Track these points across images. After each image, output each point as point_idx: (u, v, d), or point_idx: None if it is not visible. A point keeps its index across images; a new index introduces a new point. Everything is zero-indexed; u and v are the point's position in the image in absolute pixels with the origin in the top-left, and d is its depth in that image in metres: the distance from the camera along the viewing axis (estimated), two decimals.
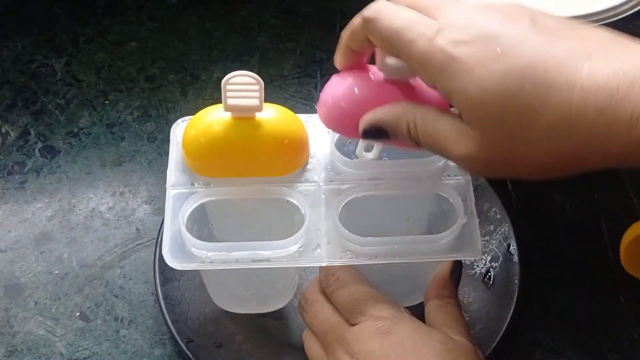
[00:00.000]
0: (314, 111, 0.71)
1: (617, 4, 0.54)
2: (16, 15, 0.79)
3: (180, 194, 0.50)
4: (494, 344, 0.55)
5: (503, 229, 0.61)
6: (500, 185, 0.65)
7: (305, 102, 0.72)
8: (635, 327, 0.59)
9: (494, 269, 0.59)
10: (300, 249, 0.49)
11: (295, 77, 0.74)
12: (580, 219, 0.64)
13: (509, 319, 0.56)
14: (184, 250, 0.48)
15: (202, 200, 0.50)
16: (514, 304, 0.57)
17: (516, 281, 0.58)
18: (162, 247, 0.49)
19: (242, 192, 0.51)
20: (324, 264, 0.49)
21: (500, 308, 0.57)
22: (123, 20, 0.78)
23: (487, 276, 0.59)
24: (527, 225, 0.63)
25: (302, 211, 0.50)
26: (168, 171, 0.51)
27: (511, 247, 0.60)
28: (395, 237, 0.48)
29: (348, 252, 0.49)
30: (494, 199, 0.62)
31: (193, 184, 0.51)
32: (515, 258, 0.59)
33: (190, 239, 0.48)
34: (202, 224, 0.53)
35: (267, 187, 0.51)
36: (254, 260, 0.48)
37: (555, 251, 0.63)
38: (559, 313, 0.59)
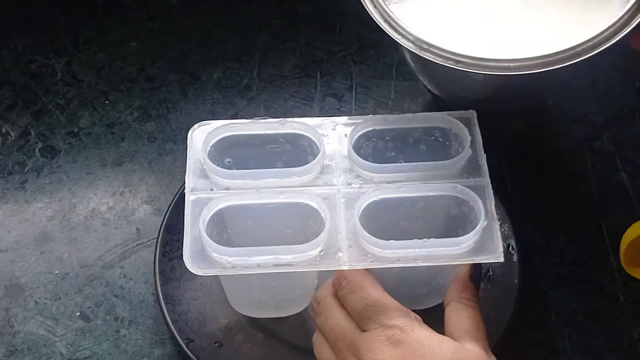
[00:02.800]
0: (313, 111, 0.72)
1: (595, 34, 0.49)
2: (16, 15, 0.79)
3: (199, 200, 0.50)
4: (494, 344, 0.55)
5: (503, 229, 0.61)
6: (500, 185, 0.65)
7: (305, 102, 0.72)
8: (635, 327, 0.59)
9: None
10: (322, 253, 0.49)
11: (295, 77, 0.74)
12: (580, 219, 0.64)
13: (508, 319, 0.56)
14: (204, 256, 0.48)
15: (221, 206, 0.51)
16: (513, 304, 0.57)
17: (516, 281, 0.58)
18: (183, 254, 0.48)
19: (260, 197, 0.51)
20: (345, 268, 0.49)
21: (500, 308, 0.57)
22: (123, 20, 0.79)
23: (487, 276, 0.59)
24: (527, 225, 0.63)
25: (322, 215, 0.50)
26: (186, 176, 0.52)
27: (511, 247, 0.60)
28: (416, 241, 0.49)
29: (369, 256, 0.49)
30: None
31: (212, 189, 0.51)
32: (515, 258, 0.59)
33: (211, 245, 0.48)
34: (221, 229, 0.53)
35: (286, 191, 0.51)
36: (275, 265, 0.48)
37: (555, 251, 0.63)
38: (559, 313, 0.60)
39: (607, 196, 0.65)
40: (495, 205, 0.62)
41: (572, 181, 0.66)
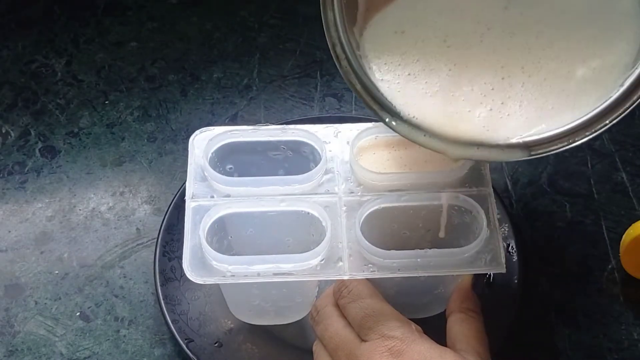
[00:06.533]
0: (313, 111, 0.72)
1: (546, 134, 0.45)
2: (16, 15, 0.79)
3: (200, 207, 0.50)
4: (495, 345, 0.55)
5: (503, 229, 0.61)
6: (500, 185, 0.65)
7: (305, 102, 0.72)
8: (635, 327, 0.59)
9: None
10: (322, 262, 0.49)
11: (295, 77, 0.74)
12: (580, 219, 0.64)
13: (509, 319, 0.56)
14: (204, 263, 0.48)
15: (222, 213, 0.51)
16: (514, 304, 0.57)
17: (516, 281, 0.58)
18: (182, 261, 0.49)
19: (261, 205, 0.51)
20: (346, 277, 0.48)
21: (500, 308, 0.57)
22: (123, 20, 0.78)
23: (487, 276, 0.59)
24: (527, 225, 0.63)
25: (324, 223, 0.50)
26: (187, 183, 0.52)
27: (511, 247, 0.60)
28: (417, 251, 0.48)
29: (370, 265, 0.49)
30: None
31: (213, 196, 0.51)
32: (515, 258, 0.59)
33: (210, 252, 0.48)
34: (222, 237, 0.53)
35: (287, 199, 0.51)
36: (275, 274, 0.48)
37: (555, 251, 0.63)
38: (559, 313, 0.60)
39: (607, 196, 0.65)
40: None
41: (572, 181, 0.66)
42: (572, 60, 0.46)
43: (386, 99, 0.47)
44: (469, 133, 0.46)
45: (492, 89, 0.47)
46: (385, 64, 0.48)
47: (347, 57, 0.46)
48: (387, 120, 0.47)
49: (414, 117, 0.47)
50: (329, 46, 0.46)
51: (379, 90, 0.47)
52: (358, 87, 0.47)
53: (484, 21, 0.47)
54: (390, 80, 0.47)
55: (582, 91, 0.45)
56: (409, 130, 0.47)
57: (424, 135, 0.47)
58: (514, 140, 0.46)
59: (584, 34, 0.46)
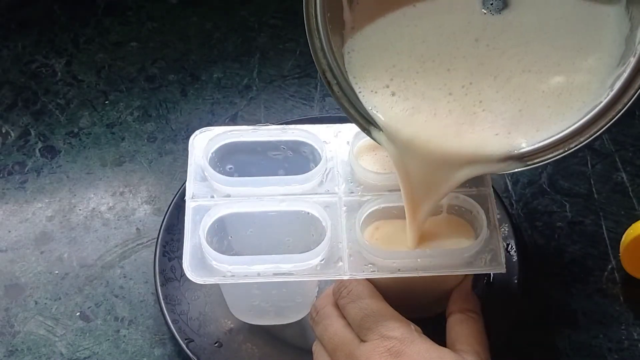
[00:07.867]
0: (313, 111, 0.72)
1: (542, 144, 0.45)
2: (16, 15, 0.79)
3: (200, 207, 0.50)
4: (494, 345, 0.55)
5: (503, 229, 0.61)
6: (500, 186, 0.65)
7: (305, 102, 0.72)
8: (635, 327, 0.59)
9: None
10: (322, 262, 0.49)
11: (295, 77, 0.74)
12: (580, 219, 0.64)
13: (509, 319, 0.56)
14: (204, 263, 0.49)
15: (222, 213, 0.51)
16: (514, 304, 0.57)
17: (516, 281, 0.58)
18: (182, 261, 0.49)
19: (261, 205, 0.51)
20: (346, 277, 0.48)
21: (500, 308, 0.57)
22: (123, 20, 0.79)
23: (487, 276, 0.59)
24: (527, 225, 0.63)
25: (324, 223, 0.50)
26: (187, 183, 0.52)
27: (511, 247, 0.60)
28: (417, 251, 0.49)
29: (370, 265, 0.49)
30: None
31: (213, 196, 0.51)
32: (515, 258, 0.59)
33: (211, 253, 0.48)
34: (222, 237, 0.53)
35: (287, 199, 0.51)
36: (275, 274, 0.48)
37: (555, 251, 0.63)
38: (559, 313, 0.60)
39: (607, 196, 0.65)
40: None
41: (572, 181, 0.66)
42: (539, 84, 0.45)
43: (378, 124, 0.47)
44: (461, 153, 0.46)
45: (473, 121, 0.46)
46: (375, 104, 0.47)
47: (338, 83, 0.46)
48: (382, 143, 0.47)
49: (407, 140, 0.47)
50: (319, 73, 0.46)
51: (371, 116, 0.47)
52: (352, 111, 0.47)
53: (454, 70, 0.46)
54: (381, 109, 0.47)
55: (558, 111, 0.45)
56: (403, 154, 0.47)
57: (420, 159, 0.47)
58: (506, 154, 0.45)
59: (554, 58, 0.45)
